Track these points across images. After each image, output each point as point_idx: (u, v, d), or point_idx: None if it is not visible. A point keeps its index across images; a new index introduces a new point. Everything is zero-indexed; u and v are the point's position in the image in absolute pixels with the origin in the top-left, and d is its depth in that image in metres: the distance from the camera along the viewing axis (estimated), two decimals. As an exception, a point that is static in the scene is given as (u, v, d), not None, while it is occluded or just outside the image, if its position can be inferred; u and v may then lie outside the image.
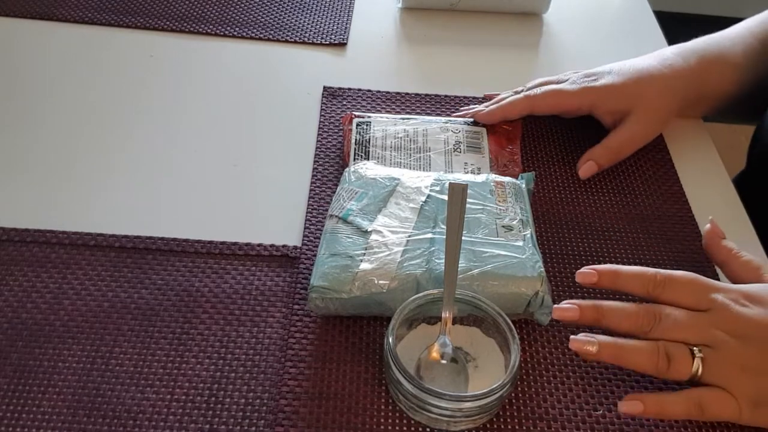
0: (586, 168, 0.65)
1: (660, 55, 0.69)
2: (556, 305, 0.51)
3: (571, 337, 0.50)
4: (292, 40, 0.80)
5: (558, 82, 0.68)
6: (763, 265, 0.54)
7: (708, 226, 0.57)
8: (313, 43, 0.80)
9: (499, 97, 0.69)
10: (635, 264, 0.59)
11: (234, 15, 0.83)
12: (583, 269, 0.52)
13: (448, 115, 0.72)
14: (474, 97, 0.74)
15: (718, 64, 0.69)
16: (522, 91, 0.68)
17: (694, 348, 0.49)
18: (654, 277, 0.51)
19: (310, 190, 0.63)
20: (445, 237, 0.51)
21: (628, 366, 0.50)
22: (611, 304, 0.51)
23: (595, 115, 0.68)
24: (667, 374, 0.49)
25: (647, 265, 0.59)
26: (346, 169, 0.61)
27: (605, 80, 0.66)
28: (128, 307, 0.54)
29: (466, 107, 0.71)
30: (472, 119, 0.68)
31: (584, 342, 0.49)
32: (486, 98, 0.71)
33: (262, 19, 0.83)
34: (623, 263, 0.59)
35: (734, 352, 0.48)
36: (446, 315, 0.50)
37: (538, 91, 0.67)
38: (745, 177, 0.79)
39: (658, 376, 0.50)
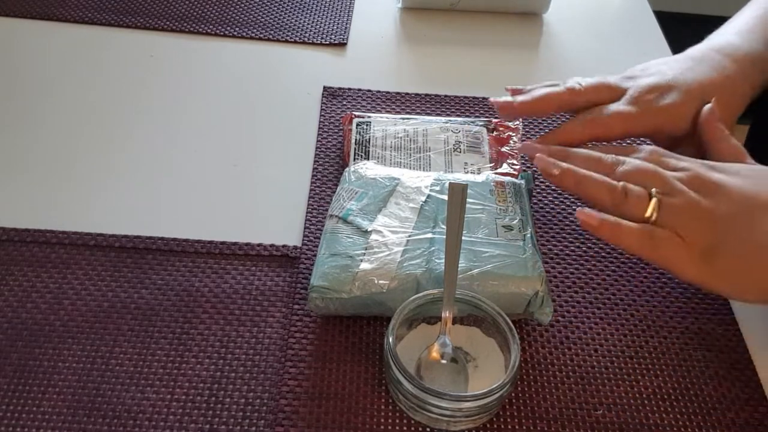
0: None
1: (712, 61, 0.61)
2: (523, 143, 0.55)
3: (537, 155, 0.52)
4: (292, 40, 0.80)
5: (617, 91, 0.59)
6: (746, 153, 0.55)
7: (709, 105, 0.57)
8: (313, 43, 0.80)
9: (546, 93, 0.60)
10: (635, 263, 0.59)
11: (234, 15, 0.83)
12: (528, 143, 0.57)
13: (448, 115, 0.72)
14: (474, 97, 0.74)
15: (759, 66, 0.63)
16: (579, 90, 0.60)
17: (653, 190, 0.50)
18: (626, 147, 0.55)
19: (310, 190, 0.63)
20: (445, 237, 0.51)
21: (587, 195, 0.52)
22: (579, 150, 0.54)
23: (653, 139, 0.60)
24: (622, 207, 0.50)
25: (647, 264, 0.59)
26: (346, 169, 0.61)
27: (670, 99, 0.58)
28: (128, 307, 0.54)
29: (514, 106, 0.60)
30: (484, 120, 0.67)
31: (549, 163, 0.51)
32: (508, 92, 0.62)
33: (262, 19, 0.83)
34: (623, 263, 0.59)
35: (691, 203, 0.50)
36: (446, 315, 0.50)
37: (602, 114, 0.58)
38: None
39: (613, 208, 0.51)
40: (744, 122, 0.77)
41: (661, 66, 0.62)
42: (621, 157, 0.53)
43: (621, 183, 0.51)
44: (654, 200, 0.50)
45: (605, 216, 0.50)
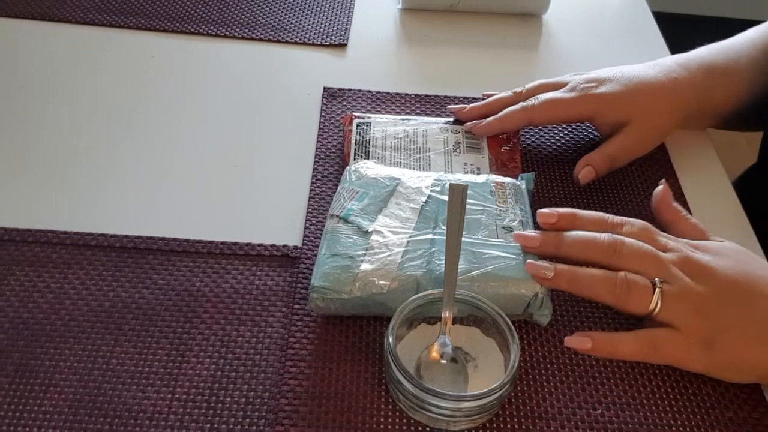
0: (585, 173, 0.64)
1: (663, 65, 0.67)
2: (517, 232, 0.54)
3: (528, 261, 0.51)
4: (293, 41, 0.80)
5: (557, 86, 0.66)
6: (706, 230, 0.56)
7: (660, 187, 0.58)
8: (313, 44, 0.80)
9: (495, 98, 0.67)
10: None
11: (234, 16, 0.83)
12: (545, 210, 0.55)
13: (449, 116, 0.72)
14: (474, 98, 0.74)
15: (722, 78, 0.67)
16: (521, 92, 0.67)
17: (656, 279, 0.49)
18: (612, 220, 0.54)
19: (311, 190, 0.64)
20: (445, 238, 0.52)
21: (587, 294, 0.51)
22: (573, 232, 0.53)
23: (592, 123, 0.67)
24: (626, 304, 0.50)
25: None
26: (347, 169, 0.61)
27: (606, 88, 0.64)
28: (129, 306, 0.54)
29: (465, 111, 0.68)
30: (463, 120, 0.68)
31: (540, 267, 0.51)
32: (484, 97, 0.69)
33: (263, 20, 0.83)
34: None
35: (690, 292, 0.50)
36: (446, 315, 0.50)
37: (535, 101, 0.65)
38: (755, 172, 0.79)
39: (616, 305, 0.50)
40: (754, 131, 0.77)
41: (618, 67, 0.67)
42: (617, 239, 0.52)
43: (622, 275, 0.50)
44: (658, 291, 0.49)
45: (597, 336, 0.50)
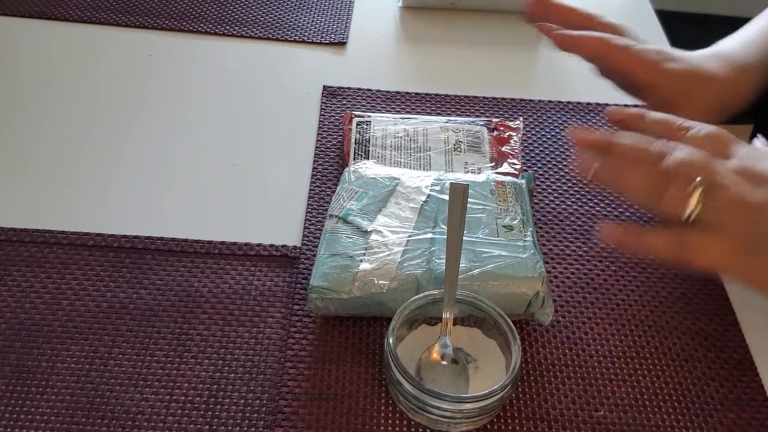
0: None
1: (709, 58, 0.65)
2: (571, 129, 0.51)
3: (572, 129, 0.50)
4: (292, 39, 0.80)
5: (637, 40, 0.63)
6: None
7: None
8: (312, 43, 0.80)
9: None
10: (636, 264, 0.59)
11: (233, 14, 0.83)
12: (614, 108, 0.53)
13: (449, 115, 0.71)
14: (474, 97, 0.74)
15: (748, 74, 0.65)
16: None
17: (698, 179, 0.47)
18: (680, 122, 0.51)
19: (310, 189, 0.63)
20: (445, 237, 0.51)
21: (625, 186, 0.49)
22: (625, 133, 0.51)
23: (645, 97, 0.63)
24: (662, 202, 0.47)
25: (648, 265, 0.59)
26: (346, 169, 0.61)
27: (674, 65, 0.61)
28: (127, 307, 0.54)
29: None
30: (485, 119, 0.67)
31: (584, 166, 0.50)
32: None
33: (262, 18, 0.82)
34: (624, 263, 0.59)
35: (742, 196, 0.47)
36: (447, 316, 0.50)
37: (620, 41, 0.60)
38: None
39: (653, 204, 0.48)
40: (746, 123, 0.77)
41: (677, 50, 0.64)
42: (669, 146, 0.49)
43: (663, 174, 0.48)
44: (698, 191, 0.46)
45: (627, 227, 0.48)
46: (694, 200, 0.47)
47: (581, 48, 0.61)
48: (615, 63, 0.62)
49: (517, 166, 0.64)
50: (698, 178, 0.47)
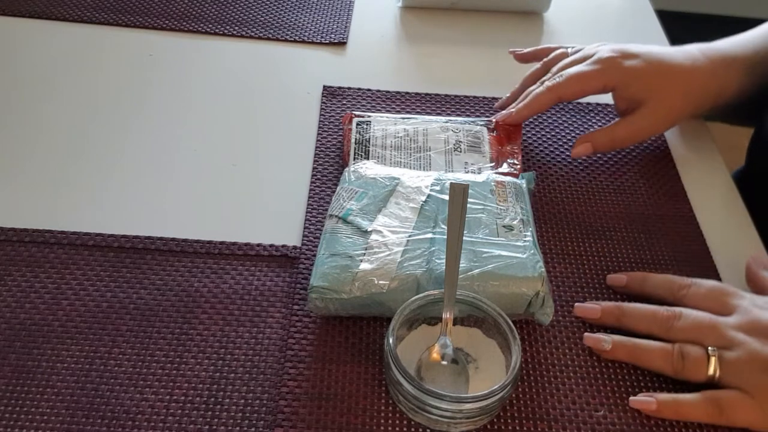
0: (581, 149, 0.64)
1: (687, 51, 0.67)
2: (578, 304, 0.54)
3: (586, 334, 0.52)
4: (292, 39, 0.80)
5: (579, 55, 0.66)
6: None
7: (752, 256, 0.57)
8: (312, 42, 0.80)
9: (526, 76, 0.69)
10: (637, 263, 0.59)
11: (233, 14, 0.83)
12: (614, 275, 0.56)
13: (449, 115, 0.71)
14: (474, 97, 0.74)
15: (739, 71, 0.67)
16: (544, 74, 0.67)
17: (710, 348, 0.49)
18: (680, 281, 0.53)
19: (310, 189, 0.63)
20: (445, 237, 0.51)
21: (644, 364, 0.51)
22: (633, 304, 0.53)
23: (613, 95, 0.66)
24: (684, 373, 0.49)
25: (648, 265, 0.59)
26: (346, 169, 0.61)
27: (632, 62, 0.64)
28: (127, 307, 0.54)
29: (498, 108, 0.70)
30: (485, 120, 0.67)
31: (599, 339, 0.52)
32: (511, 96, 0.70)
33: (262, 18, 0.82)
34: (624, 263, 0.59)
35: (755, 353, 0.48)
36: (447, 316, 0.50)
37: (560, 79, 0.64)
38: (744, 175, 0.79)
39: (676, 376, 0.50)
40: (746, 125, 0.77)
41: (644, 45, 0.67)
42: (675, 312, 0.51)
43: (677, 346, 0.50)
44: (714, 359, 0.49)
45: (662, 397, 0.49)
46: (712, 366, 0.49)
47: (535, 112, 0.66)
48: (575, 96, 0.66)
49: (517, 166, 0.64)
50: (709, 348, 0.49)
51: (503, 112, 0.67)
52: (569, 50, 0.69)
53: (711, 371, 0.48)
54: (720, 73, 0.66)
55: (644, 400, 0.49)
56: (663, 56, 0.65)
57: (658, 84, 0.64)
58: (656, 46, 0.67)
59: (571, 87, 0.64)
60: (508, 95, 0.71)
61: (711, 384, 0.49)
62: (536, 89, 0.66)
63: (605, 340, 0.51)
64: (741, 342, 0.49)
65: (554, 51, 0.70)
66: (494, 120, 0.67)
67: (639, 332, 0.52)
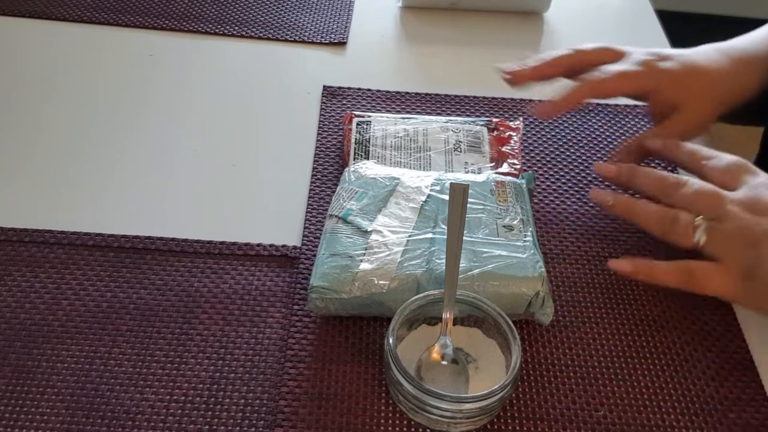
0: (623, 266, 0.59)
1: (708, 54, 0.65)
2: (598, 163, 0.59)
3: (593, 189, 0.58)
4: (292, 39, 0.80)
5: (617, 54, 0.64)
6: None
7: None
8: (312, 42, 0.80)
9: (553, 58, 0.65)
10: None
11: (233, 14, 0.83)
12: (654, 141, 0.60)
13: (449, 115, 0.71)
14: (474, 97, 0.74)
15: (757, 70, 0.66)
16: (584, 52, 0.64)
17: (700, 217, 0.51)
18: (703, 153, 0.56)
19: (310, 189, 0.63)
20: (445, 237, 0.51)
21: (639, 222, 0.55)
22: (646, 168, 0.58)
23: (649, 99, 0.64)
24: (670, 235, 0.52)
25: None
26: (346, 169, 0.61)
27: (669, 64, 0.63)
28: (127, 307, 0.54)
29: (518, 72, 0.65)
30: (485, 120, 0.67)
31: (603, 194, 0.57)
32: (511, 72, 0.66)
33: (262, 18, 0.82)
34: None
35: (744, 227, 0.50)
36: (447, 316, 0.50)
37: (603, 75, 0.62)
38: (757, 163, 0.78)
39: (662, 236, 0.53)
40: (753, 125, 0.76)
41: (673, 49, 0.66)
42: (682, 179, 0.54)
43: (672, 211, 0.53)
44: (702, 227, 0.51)
45: (638, 260, 0.53)
46: (699, 233, 0.51)
47: (573, 106, 0.64)
48: (613, 94, 0.65)
49: (517, 166, 0.64)
50: (699, 217, 0.51)
51: (540, 104, 0.64)
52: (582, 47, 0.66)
53: (696, 238, 0.51)
54: (741, 73, 0.65)
55: (621, 262, 0.53)
56: (695, 59, 0.64)
57: (693, 88, 0.63)
58: (677, 49, 0.66)
59: (613, 85, 0.63)
60: (522, 67, 0.65)
61: (696, 253, 0.51)
62: (576, 84, 0.63)
63: (609, 195, 0.56)
64: (735, 216, 0.51)
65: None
66: (532, 113, 0.67)
67: (646, 194, 0.56)
